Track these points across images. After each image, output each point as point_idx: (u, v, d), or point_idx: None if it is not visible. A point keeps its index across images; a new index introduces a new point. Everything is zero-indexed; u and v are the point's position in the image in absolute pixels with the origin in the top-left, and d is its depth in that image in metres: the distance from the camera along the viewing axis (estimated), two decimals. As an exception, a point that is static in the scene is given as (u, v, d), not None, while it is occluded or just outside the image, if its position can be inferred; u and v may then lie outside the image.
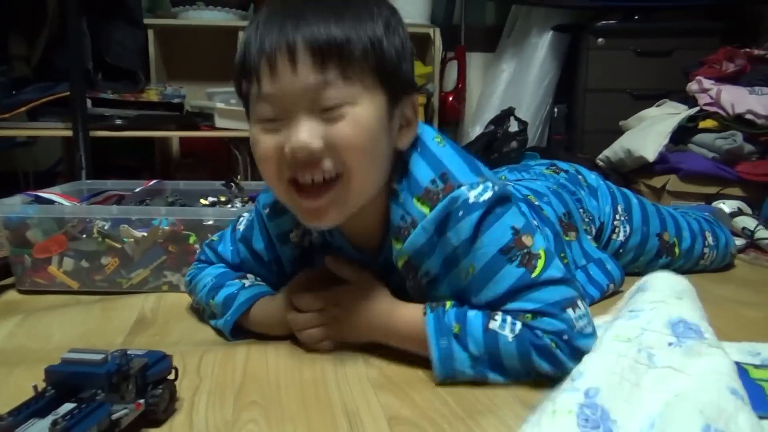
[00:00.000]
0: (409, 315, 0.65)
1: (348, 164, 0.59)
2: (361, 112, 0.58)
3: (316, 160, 0.58)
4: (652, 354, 0.52)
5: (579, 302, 0.61)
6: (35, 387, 0.49)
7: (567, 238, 0.89)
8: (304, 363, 0.67)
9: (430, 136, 0.68)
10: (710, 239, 1.07)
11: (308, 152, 0.57)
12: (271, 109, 0.59)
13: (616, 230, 1.00)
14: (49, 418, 0.45)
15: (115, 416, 0.48)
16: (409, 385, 0.62)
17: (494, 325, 0.60)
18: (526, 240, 0.62)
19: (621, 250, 1.00)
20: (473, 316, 0.62)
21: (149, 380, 0.53)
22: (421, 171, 0.64)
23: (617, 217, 1.00)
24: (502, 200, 0.63)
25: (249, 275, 0.79)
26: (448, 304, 0.64)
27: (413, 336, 0.64)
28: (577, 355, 0.57)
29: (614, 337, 0.55)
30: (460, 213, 0.61)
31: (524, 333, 0.59)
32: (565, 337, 0.58)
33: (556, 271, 0.62)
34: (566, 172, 1.03)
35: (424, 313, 0.63)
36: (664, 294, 0.60)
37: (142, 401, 0.51)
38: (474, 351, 0.60)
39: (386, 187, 0.66)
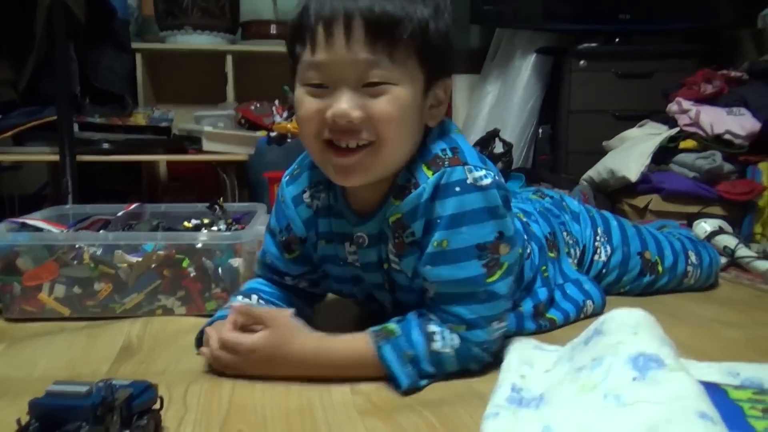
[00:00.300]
0: (346, 346, 0.69)
1: (382, 135, 0.64)
2: (400, 91, 0.63)
3: (354, 128, 0.63)
4: (618, 395, 0.53)
5: (504, 317, 0.72)
6: (18, 421, 0.49)
7: (550, 255, 0.92)
8: (291, 393, 0.67)
9: (452, 125, 0.75)
10: (693, 258, 1.10)
11: (348, 121, 0.62)
12: (319, 76, 0.63)
13: (598, 251, 1.02)
14: (33, 453, 0.45)
15: (99, 449, 0.48)
16: (396, 410, 0.62)
17: (436, 346, 0.67)
18: (503, 249, 0.68)
19: (604, 270, 1.03)
20: (416, 338, 0.67)
21: (134, 411, 0.53)
22: (435, 142, 0.70)
23: (597, 238, 1.03)
24: (505, 204, 0.69)
25: (254, 295, 0.81)
26: (393, 329, 0.68)
27: (354, 364, 0.68)
28: (495, 355, 0.71)
29: (580, 389, 0.57)
30: (457, 189, 0.66)
31: (461, 347, 0.68)
32: (486, 346, 0.70)
33: (504, 287, 0.69)
34: (551, 197, 1.07)
35: (377, 346, 0.67)
36: (620, 334, 0.62)
37: (127, 433, 0.51)
38: (425, 368, 0.67)
39: (411, 149, 0.70)
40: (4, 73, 1.66)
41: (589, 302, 0.93)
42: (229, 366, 0.70)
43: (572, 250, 0.99)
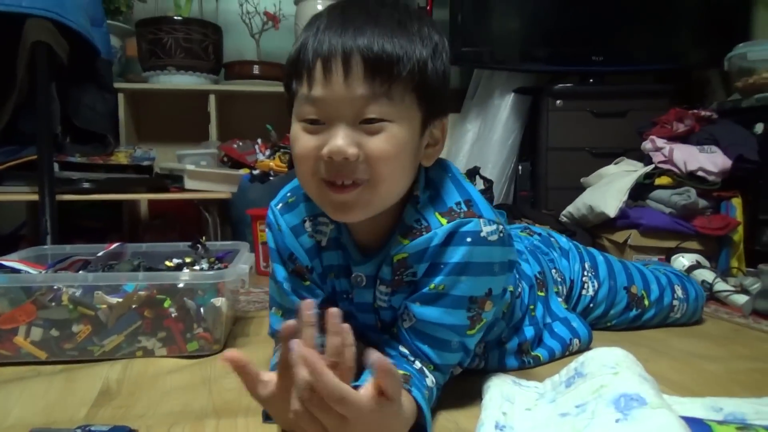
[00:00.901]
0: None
1: (378, 173, 0.63)
2: (398, 129, 0.63)
3: (349, 165, 0.62)
4: None
5: (464, 364, 0.75)
6: (-7, 470, 0.47)
7: (539, 294, 0.93)
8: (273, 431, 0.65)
9: (458, 171, 0.75)
10: (680, 292, 1.11)
11: (344, 158, 0.61)
12: (315, 112, 0.63)
13: (585, 286, 1.04)
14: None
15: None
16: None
17: (429, 382, 0.68)
18: (487, 306, 0.70)
19: (591, 304, 1.04)
20: (420, 377, 0.67)
21: (114, 458, 0.51)
22: (450, 194, 0.70)
23: (585, 273, 1.04)
24: (510, 266, 0.72)
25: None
26: (407, 374, 0.66)
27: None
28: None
29: None
30: (468, 239, 0.66)
31: (437, 384, 0.70)
32: (442, 384, 0.72)
33: (475, 341, 0.72)
34: (539, 234, 1.08)
35: (408, 390, 0.62)
36: (601, 376, 0.63)
37: (105, 481, 0.49)
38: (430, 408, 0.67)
39: (404, 197, 0.70)
40: (-16, 113, 1.65)
41: (575, 340, 0.94)
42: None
43: (560, 288, 1.00)
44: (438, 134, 0.70)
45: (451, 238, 0.67)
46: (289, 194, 0.79)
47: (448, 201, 0.70)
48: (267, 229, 0.81)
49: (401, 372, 0.66)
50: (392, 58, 0.61)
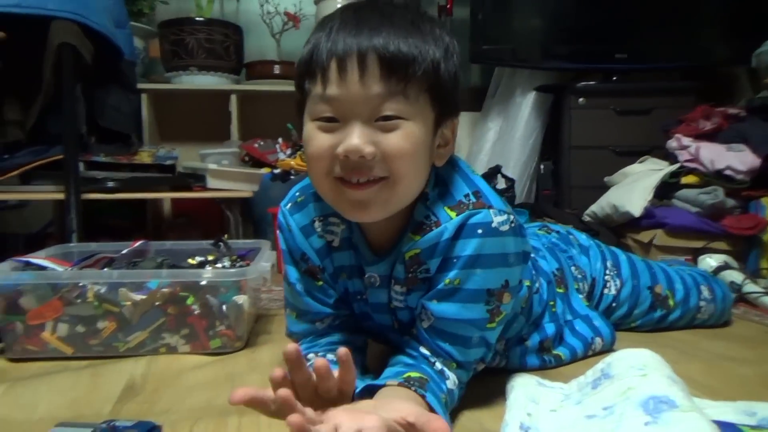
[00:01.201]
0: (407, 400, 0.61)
1: (394, 171, 0.63)
2: (412, 127, 0.63)
3: (366, 164, 0.62)
4: None
5: (487, 359, 0.74)
6: (22, 463, 0.48)
7: (559, 290, 0.92)
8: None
9: (465, 165, 0.75)
10: (706, 293, 1.09)
11: (360, 156, 0.61)
12: (330, 110, 0.62)
13: (608, 285, 1.02)
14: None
15: (103, 493, 0.47)
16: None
17: (450, 384, 0.68)
18: (506, 298, 0.69)
19: (614, 304, 1.03)
20: (438, 378, 0.67)
21: (139, 453, 0.52)
22: (458, 187, 0.70)
23: (607, 272, 1.03)
24: (525, 257, 0.71)
25: (310, 354, 0.76)
26: (421, 374, 0.65)
27: None
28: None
29: None
30: (479, 231, 0.66)
31: (459, 384, 0.69)
32: (467, 381, 0.72)
33: (495, 335, 0.72)
34: (557, 232, 1.07)
35: (421, 394, 0.62)
36: (629, 378, 0.62)
37: (131, 476, 0.50)
38: (449, 410, 0.67)
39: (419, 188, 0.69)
40: (12, 114, 1.68)
41: (598, 339, 0.92)
42: None
43: (581, 285, 0.98)
44: (449, 135, 0.70)
45: (461, 231, 0.67)
46: (298, 194, 0.78)
47: (456, 194, 0.69)
48: (278, 231, 0.80)
49: (418, 374, 0.65)
50: (408, 57, 0.61)
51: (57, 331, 0.93)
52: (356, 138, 0.61)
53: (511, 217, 0.68)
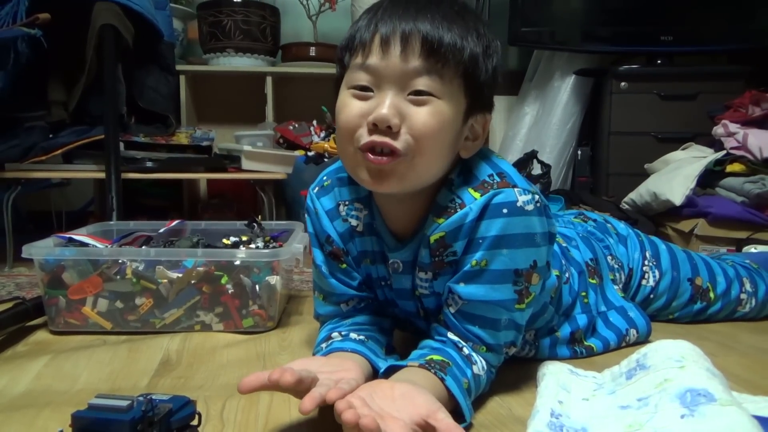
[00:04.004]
0: (423, 381, 0.62)
1: (419, 145, 0.64)
2: (443, 105, 0.64)
3: (393, 133, 0.63)
4: None
5: (517, 342, 0.72)
6: (62, 432, 0.50)
7: (591, 281, 0.90)
8: (326, 411, 0.66)
9: (490, 151, 0.74)
10: (748, 285, 1.05)
11: (388, 125, 0.62)
12: (367, 79, 0.64)
13: (646, 276, 0.99)
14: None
15: (138, 463, 0.48)
16: None
17: (476, 369, 0.67)
18: (534, 278, 0.69)
19: (652, 296, 1.00)
20: (462, 363, 0.66)
21: (173, 426, 0.53)
22: (481, 169, 0.70)
23: (646, 262, 1.00)
24: (551, 237, 0.70)
25: (334, 333, 0.77)
26: (444, 358, 0.65)
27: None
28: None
29: (627, 427, 0.55)
30: (504, 210, 0.65)
31: (487, 370, 0.69)
32: (498, 365, 0.72)
33: (525, 317, 0.71)
34: (594, 221, 1.04)
35: (440, 377, 0.62)
36: (665, 369, 0.60)
37: (165, 448, 0.51)
38: (473, 395, 0.67)
39: (439, 182, 0.70)
40: (56, 94, 1.73)
41: (633, 331, 0.90)
42: None
43: (617, 275, 0.96)
44: (479, 129, 0.70)
45: (486, 211, 0.66)
46: (325, 178, 0.80)
47: (480, 175, 0.69)
48: (306, 215, 0.81)
49: (440, 358, 0.65)
50: (449, 41, 0.63)
51: (97, 306, 0.95)
52: (386, 108, 0.62)
53: (536, 196, 0.68)
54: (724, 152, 1.68)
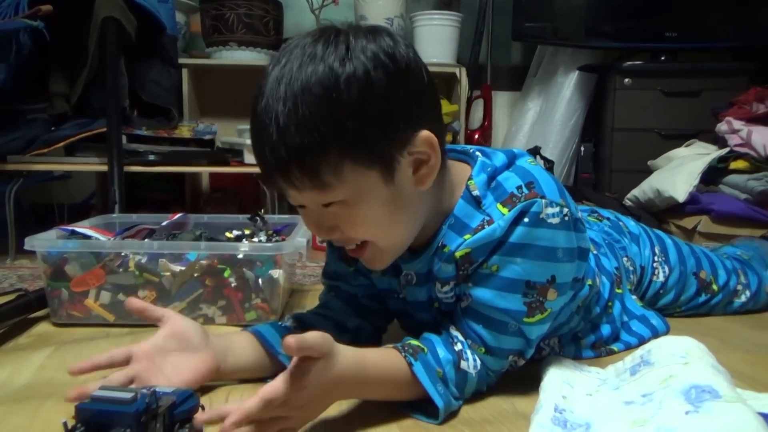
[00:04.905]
0: (380, 360, 0.62)
1: (371, 237, 0.65)
2: (357, 202, 0.61)
3: (345, 237, 0.64)
4: (672, 429, 0.50)
5: (524, 355, 0.69)
6: (65, 424, 0.50)
7: (617, 291, 0.89)
8: (330, 409, 0.66)
9: (524, 158, 0.70)
10: (743, 277, 1.07)
11: (329, 240, 0.65)
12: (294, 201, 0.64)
13: (656, 272, 1.00)
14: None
15: (142, 455, 0.48)
16: (438, 428, 0.61)
17: (464, 365, 0.66)
18: (551, 294, 0.66)
19: (662, 291, 1.00)
20: (443, 356, 0.65)
21: (176, 419, 0.53)
22: (510, 180, 0.67)
23: (655, 258, 1.00)
24: (582, 253, 0.69)
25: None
26: (420, 344, 0.66)
27: (390, 381, 0.63)
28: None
29: (631, 423, 0.55)
30: (525, 220, 0.64)
31: (480, 369, 0.67)
32: (495, 374, 0.69)
33: (537, 332, 0.68)
34: (608, 219, 1.03)
35: (408, 362, 0.62)
36: (670, 366, 0.60)
37: (169, 440, 0.51)
38: (452, 389, 0.65)
39: (437, 201, 0.68)
40: (59, 87, 1.73)
41: (653, 338, 0.89)
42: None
43: (633, 277, 0.96)
44: (421, 150, 0.61)
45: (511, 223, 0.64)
46: None
47: (508, 187, 0.66)
48: None
49: (415, 343, 0.65)
50: (313, 150, 0.56)
51: (99, 298, 0.95)
52: (319, 235, 0.65)
53: (565, 209, 0.65)
54: (728, 149, 1.67)
